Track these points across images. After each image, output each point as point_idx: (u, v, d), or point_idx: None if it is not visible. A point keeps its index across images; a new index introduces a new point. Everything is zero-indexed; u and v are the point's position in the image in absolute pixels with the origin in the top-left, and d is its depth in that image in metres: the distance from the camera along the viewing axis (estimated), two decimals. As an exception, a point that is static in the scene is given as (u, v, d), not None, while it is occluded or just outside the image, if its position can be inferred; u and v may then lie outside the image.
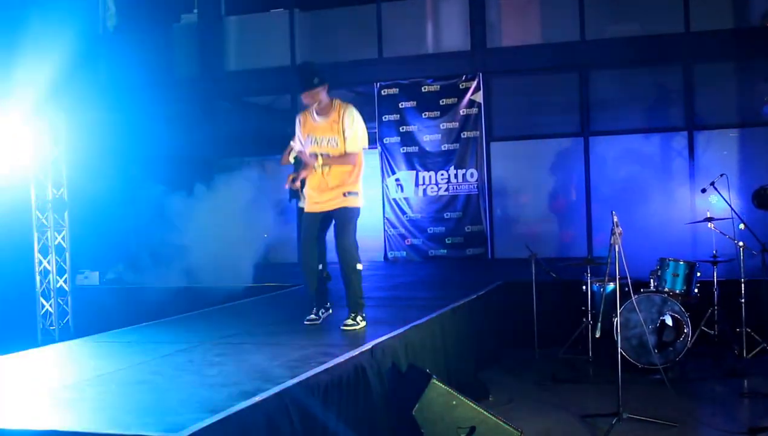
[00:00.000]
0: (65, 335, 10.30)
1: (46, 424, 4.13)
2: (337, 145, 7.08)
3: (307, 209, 7.34)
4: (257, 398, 4.39)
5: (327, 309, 7.70)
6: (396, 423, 5.89)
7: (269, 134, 14.58)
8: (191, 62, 17.54)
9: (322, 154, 7.08)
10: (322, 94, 7.08)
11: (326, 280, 7.79)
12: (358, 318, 7.09)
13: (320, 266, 7.51)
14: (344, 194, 7.13)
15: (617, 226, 6.87)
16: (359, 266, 7.22)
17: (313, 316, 7.39)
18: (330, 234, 7.37)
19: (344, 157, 7.10)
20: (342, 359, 5.47)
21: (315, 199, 7.21)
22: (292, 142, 7.65)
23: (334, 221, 7.25)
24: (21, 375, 5.56)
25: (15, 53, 8.90)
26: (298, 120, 7.30)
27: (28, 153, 10.58)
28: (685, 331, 8.51)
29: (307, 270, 7.32)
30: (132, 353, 6.16)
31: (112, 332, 7.26)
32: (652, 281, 9.00)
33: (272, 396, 4.49)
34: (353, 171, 7.19)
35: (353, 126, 7.07)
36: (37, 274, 10.77)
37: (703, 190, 9.57)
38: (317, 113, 7.15)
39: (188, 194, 12.75)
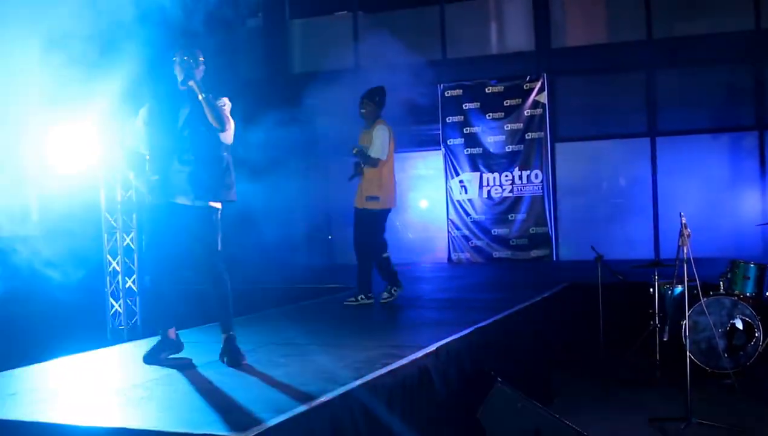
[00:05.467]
0: (134, 334, 10.49)
1: (115, 422, 4.20)
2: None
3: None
4: (322, 399, 4.41)
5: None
6: (460, 426, 5.88)
7: (333, 137, 14.64)
8: (256, 65, 17.71)
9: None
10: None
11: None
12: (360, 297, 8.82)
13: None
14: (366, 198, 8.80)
15: (685, 227, 6.76)
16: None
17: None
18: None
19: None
20: (407, 361, 5.46)
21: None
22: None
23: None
24: (91, 374, 5.67)
25: (89, 59, 9.09)
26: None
27: (98, 156, 10.80)
28: (756, 335, 8.34)
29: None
30: (199, 352, 6.23)
31: (179, 331, 7.35)
32: (721, 283, 8.83)
33: (337, 397, 4.51)
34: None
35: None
36: (106, 274, 10.99)
37: (775, 191, 9.35)
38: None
39: (252, 196, 12.85)
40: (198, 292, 6.23)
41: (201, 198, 5.80)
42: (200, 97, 5.75)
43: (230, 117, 6.00)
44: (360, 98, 9.00)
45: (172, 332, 6.02)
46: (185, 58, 5.84)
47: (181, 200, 5.80)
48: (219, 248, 5.97)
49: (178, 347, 6.05)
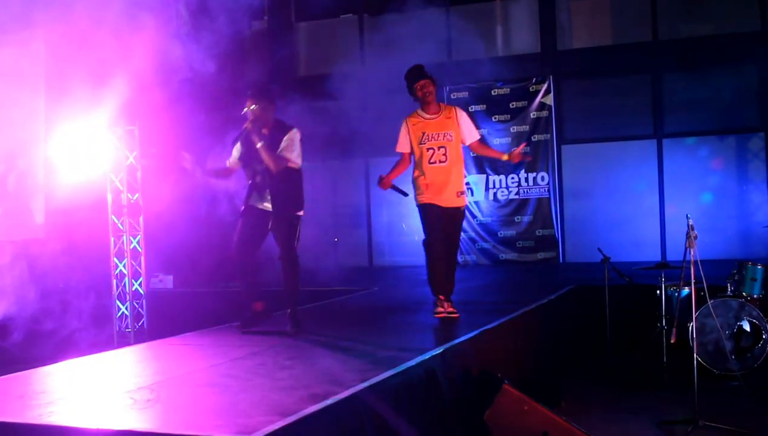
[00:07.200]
0: (140, 337, 10.50)
1: (121, 424, 4.20)
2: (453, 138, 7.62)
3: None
4: (327, 402, 4.40)
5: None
6: (467, 428, 5.86)
7: (339, 139, 14.64)
8: (262, 68, 17.71)
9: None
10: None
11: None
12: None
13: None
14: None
15: (692, 229, 6.75)
16: None
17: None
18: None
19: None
20: (413, 363, 5.45)
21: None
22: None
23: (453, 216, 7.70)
24: (98, 376, 5.67)
25: (95, 62, 9.12)
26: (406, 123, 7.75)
27: (105, 159, 10.82)
28: (764, 337, 8.32)
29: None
30: (205, 355, 6.23)
31: (185, 334, 7.36)
32: (728, 285, 8.80)
33: (342, 400, 4.50)
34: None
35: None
36: (113, 277, 11.00)
37: (782, 192, 9.33)
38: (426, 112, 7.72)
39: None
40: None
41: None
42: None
43: (294, 148, 7.28)
44: (416, 80, 7.71)
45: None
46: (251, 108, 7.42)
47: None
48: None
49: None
